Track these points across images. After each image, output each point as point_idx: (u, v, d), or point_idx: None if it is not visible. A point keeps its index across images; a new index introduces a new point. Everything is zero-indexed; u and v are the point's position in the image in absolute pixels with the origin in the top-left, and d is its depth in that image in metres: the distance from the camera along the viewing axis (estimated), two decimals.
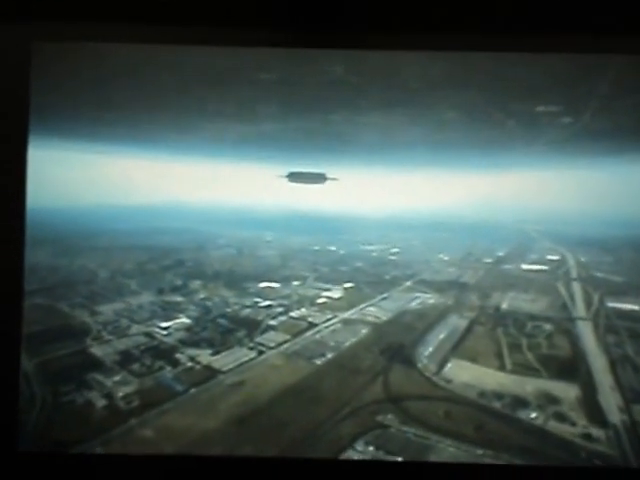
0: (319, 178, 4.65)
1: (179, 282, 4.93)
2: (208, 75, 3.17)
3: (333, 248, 5.83)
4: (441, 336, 4.27)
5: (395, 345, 4.11)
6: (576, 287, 4.96)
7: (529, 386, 3.63)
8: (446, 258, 5.74)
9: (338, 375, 3.77)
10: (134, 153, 5.22)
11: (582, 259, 5.44)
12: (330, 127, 4.19)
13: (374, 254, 5.74)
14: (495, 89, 3.48)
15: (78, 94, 3.16)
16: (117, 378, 3.57)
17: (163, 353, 3.92)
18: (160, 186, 5.48)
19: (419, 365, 3.88)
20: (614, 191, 4.82)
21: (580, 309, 4.57)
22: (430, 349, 4.10)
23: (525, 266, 5.42)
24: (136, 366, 3.73)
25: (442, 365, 3.88)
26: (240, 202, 5.68)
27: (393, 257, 5.67)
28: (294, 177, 4.75)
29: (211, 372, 3.75)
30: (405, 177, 5.45)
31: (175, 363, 3.82)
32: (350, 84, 3.27)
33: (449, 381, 3.69)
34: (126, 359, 3.80)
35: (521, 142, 4.41)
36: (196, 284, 4.93)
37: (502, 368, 3.84)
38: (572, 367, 3.84)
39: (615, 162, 4.81)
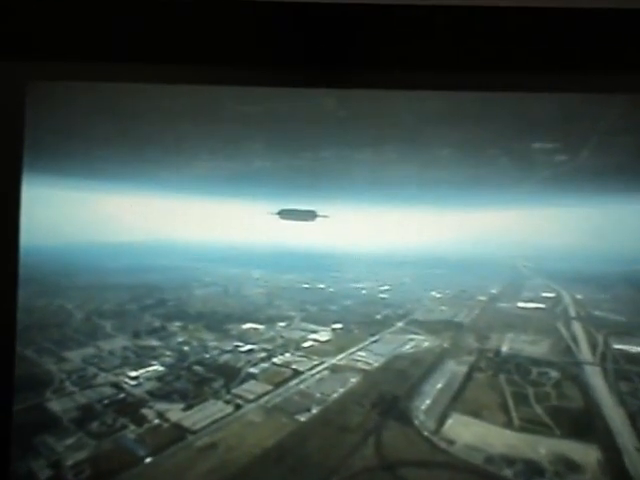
0: (310, 215, 4.18)
1: (157, 324, 4.22)
2: (198, 112, 2.95)
3: (322, 286, 5.13)
4: (438, 385, 3.53)
5: (388, 397, 3.36)
6: (577, 327, 4.28)
7: (542, 447, 2.89)
8: (439, 296, 5.05)
9: (324, 434, 3.02)
10: (126, 191, 4.70)
11: (578, 296, 4.78)
12: (321, 164, 3.74)
13: (364, 292, 5.04)
14: (490, 125, 3.12)
15: (73, 133, 3.00)
16: (70, 441, 2.83)
17: (129, 408, 3.19)
18: (150, 223, 4.91)
19: (416, 422, 3.13)
20: (606, 228, 4.26)
21: (585, 352, 3.90)
22: (427, 402, 3.35)
23: (521, 304, 4.73)
24: (95, 425, 2.98)
25: (442, 422, 3.14)
26: (230, 239, 5.10)
27: (384, 295, 4.97)
28: (285, 214, 4.25)
29: (180, 432, 3.00)
30: (396, 214, 4.85)
31: (140, 421, 3.07)
32: (341, 119, 2.96)
33: (451, 442, 2.94)
34: (86, 416, 3.07)
35: (513, 179, 4.00)
36: (175, 326, 4.22)
37: (509, 425, 3.11)
38: (587, 422, 3.12)
39: (609, 200, 4.24)
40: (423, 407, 3.29)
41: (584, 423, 3.09)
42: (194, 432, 2.99)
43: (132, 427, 3.00)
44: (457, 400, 3.36)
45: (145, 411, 3.16)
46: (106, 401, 3.22)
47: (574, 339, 4.11)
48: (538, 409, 3.26)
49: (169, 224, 4.95)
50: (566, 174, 3.67)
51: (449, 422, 3.14)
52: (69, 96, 2.47)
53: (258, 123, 3.07)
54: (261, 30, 2.03)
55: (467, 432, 3.03)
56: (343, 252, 4.96)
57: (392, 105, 2.83)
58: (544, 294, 4.92)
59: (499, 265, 5.29)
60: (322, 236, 4.52)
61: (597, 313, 4.49)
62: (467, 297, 5.08)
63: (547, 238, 4.83)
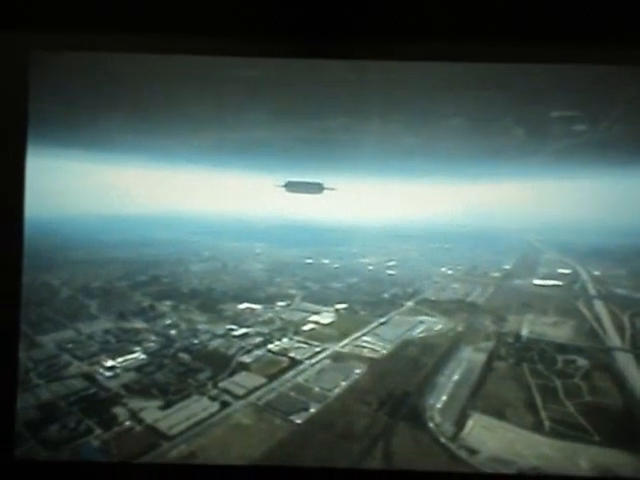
0: (317, 188, 3.85)
1: (147, 303, 3.62)
2: (203, 81, 2.71)
3: (326, 261, 4.55)
4: (455, 377, 2.90)
5: (398, 393, 2.70)
6: (599, 306, 3.68)
7: (582, 459, 2.25)
8: (450, 272, 4.45)
9: (323, 441, 2.38)
10: (130, 162, 4.35)
11: (595, 272, 4.15)
12: (329, 135, 3.48)
13: (371, 268, 4.43)
14: (506, 94, 2.76)
15: (76, 103, 2.79)
16: (17, 453, 2.18)
17: (98, 406, 2.56)
18: (155, 195, 4.46)
19: (431, 425, 2.48)
20: (619, 200, 3.74)
21: (613, 336, 3.32)
22: (443, 398, 2.70)
23: (537, 281, 4.11)
24: (54, 429, 2.35)
25: (461, 424, 2.49)
26: (234, 212, 4.55)
27: (391, 271, 4.35)
28: (291, 187, 3.86)
29: (154, 437, 2.37)
30: (404, 186, 4.28)
31: (109, 423, 2.43)
32: (348, 87, 2.65)
33: (473, 452, 2.29)
34: (45, 417, 2.42)
35: (526, 151, 3.62)
36: (166, 305, 3.62)
37: (539, 428, 2.47)
38: (629, 425, 2.45)
39: (625, 172, 3.69)
40: (439, 405, 2.64)
41: (627, 426, 2.43)
42: (170, 438, 2.34)
43: (97, 431, 2.36)
44: (477, 396, 2.71)
45: (117, 410, 2.53)
46: (73, 397, 2.59)
47: (598, 320, 3.48)
48: (570, 407, 2.61)
49: (174, 196, 4.42)
50: (582, 145, 3.26)
51: (469, 424, 2.49)
52: (73, 66, 2.30)
53: (263, 90, 2.79)
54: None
55: (491, 438, 2.38)
56: (349, 225, 4.39)
57: (401, 72, 2.46)
58: (560, 270, 4.30)
59: (510, 239, 4.69)
60: (328, 209, 4.01)
61: (618, 291, 3.87)
62: (480, 273, 4.46)
63: (558, 211, 4.26)
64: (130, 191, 4.38)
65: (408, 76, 2.52)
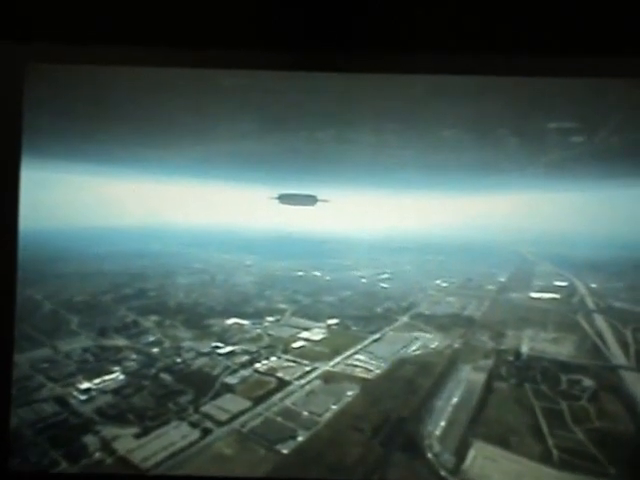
0: (310, 200, 3.66)
1: (130, 318, 3.37)
2: (196, 94, 2.61)
3: (318, 273, 4.31)
4: (454, 400, 2.62)
5: (393, 418, 2.42)
6: (600, 321, 3.47)
7: None
8: (444, 285, 4.18)
9: (312, 474, 2.06)
10: (124, 174, 4.26)
11: (592, 285, 3.91)
12: (322, 146, 3.21)
13: (364, 280, 4.20)
14: (502, 106, 2.66)
15: (71, 115, 2.73)
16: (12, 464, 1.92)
17: (67, 435, 2.27)
18: (147, 207, 4.22)
19: (429, 455, 2.19)
20: (613, 212, 3.61)
21: (616, 352, 3.05)
22: (442, 424, 2.42)
23: (534, 294, 3.88)
24: (13, 463, 2.03)
25: (462, 454, 2.20)
26: (226, 223, 4.32)
27: (385, 284, 4.12)
28: (285, 199, 3.69)
29: (124, 470, 2.04)
30: (398, 198, 4.08)
31: (77, 455, 2.14)
32: (343, 96, 2.57)
33: None
34: (4, 450, 2.09)
35: (519, 163, 3.39)
36: (150, 321, 3.35)
37: (547, 458, 2.19)
38: None
39: (619, 184, 3.49)
40: (437, 432, 2.35)
41: None
42: (143, 473, 2.04)
43: (63, 465, 2.05)
44: (478, 421, 2.43)
45: (87, 439, 2.22)
46: (41, 424, 2.29)
47: (600, 336, 3.23)
48: (579, 434, 2.33)
49: (167, 208, 4.20)
50: (577, 157, 3.11)
51: (471, 454, 2.20)
52: (69, 78, 2.23)
53: (255, 101, 2.68)
54: (259, 12, 1.88)
55: (496, 470, 2.09)
56: (342, 237, 4.15)
57: (393, 82, 2.30)
58: (556, 282, 4.05)
59: (503, 251, 4.44)
60: (321, 221, 3.80)
61: (617, 304, 3.61)
62: (475, 286, 4.20)
63: (551, 223, 4.04)
64: (124, 203, 4.16)
65: (402, 87, 2.36)
